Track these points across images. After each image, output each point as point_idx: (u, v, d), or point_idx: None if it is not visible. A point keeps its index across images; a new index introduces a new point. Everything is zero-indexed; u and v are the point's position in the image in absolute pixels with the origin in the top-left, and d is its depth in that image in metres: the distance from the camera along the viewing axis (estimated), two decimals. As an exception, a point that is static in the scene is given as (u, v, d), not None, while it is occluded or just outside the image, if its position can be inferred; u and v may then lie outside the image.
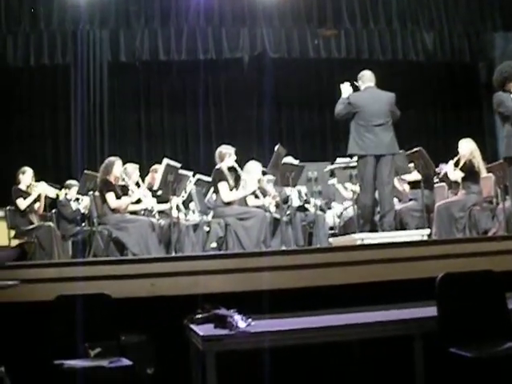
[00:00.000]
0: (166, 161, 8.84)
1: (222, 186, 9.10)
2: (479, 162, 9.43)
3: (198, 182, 9.81)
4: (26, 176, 9.63)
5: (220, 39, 13.38)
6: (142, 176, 9.83)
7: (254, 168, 9.56)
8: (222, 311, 4.98)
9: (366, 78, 8.53)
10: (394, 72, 13.56)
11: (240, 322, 4.74)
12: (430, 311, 4.91)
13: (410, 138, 12.07)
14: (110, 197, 8.82)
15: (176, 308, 5.61)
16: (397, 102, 8.51)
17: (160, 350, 5.94)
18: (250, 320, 4.80)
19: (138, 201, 9.23)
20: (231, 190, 9.14)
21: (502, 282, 5.10)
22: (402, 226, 9.31)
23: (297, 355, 5.70)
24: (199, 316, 5.19)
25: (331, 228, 10.29)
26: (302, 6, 13.12)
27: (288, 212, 9.63)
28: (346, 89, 8.45)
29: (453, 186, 9.77)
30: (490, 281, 5.07)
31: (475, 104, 14.98)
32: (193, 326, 5.07)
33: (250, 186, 9.28)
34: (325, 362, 6.05)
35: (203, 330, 4.84)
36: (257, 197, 9.51)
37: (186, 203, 10.13)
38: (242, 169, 9.42)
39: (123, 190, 9.10)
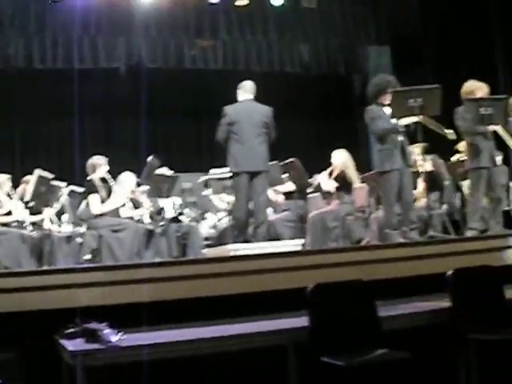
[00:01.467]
0: (37, 172, 8.69)
1: (93, 198, 8.93)
2: (352, 173, 9.62)
3: (71, 194, 9.66)
4: None
5: (96, 48, 13.22)
6: (16, 187, 9.59)
7: (126, 179, 9.44)
8: (93, 325, 4.89)
9: (247, 89, 8.40)
10: (271, 83, 13.63)
11: (111, 335, 4.67)
12: (303, 321, 4.97)
13: (285, 148, 12.20)
14: (-21, 208, 8.58)
15: (48, 323, 5.48)
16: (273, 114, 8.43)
17: (31, 367, 5.78)
18: (121, 333, 4.73)
19: (9, 212, 9.01)
20: (103, 201, 8.97)
21: (371, 290, 5.23)
22: (276, 236, 9.38)
23: (175, 367, 5.66)
24: (70, 330, 5.08)
25: (206, 239, 10.29)
26: (179, 15, 13.17)
27: (162, 223, 9.58)
28: None
29: (326, 196, 9.92)
30: (360, 290, 5.21)
31: (349, 115, 15.22)
32: (63, 341, 4.95)
33: (120, 197, 9.16)
34: (204, 372, 6.03)
35: (73, 344, 4.73)
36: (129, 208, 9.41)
37: (59, 214, 9.95)
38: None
39: (-7, 202, 8.86)
